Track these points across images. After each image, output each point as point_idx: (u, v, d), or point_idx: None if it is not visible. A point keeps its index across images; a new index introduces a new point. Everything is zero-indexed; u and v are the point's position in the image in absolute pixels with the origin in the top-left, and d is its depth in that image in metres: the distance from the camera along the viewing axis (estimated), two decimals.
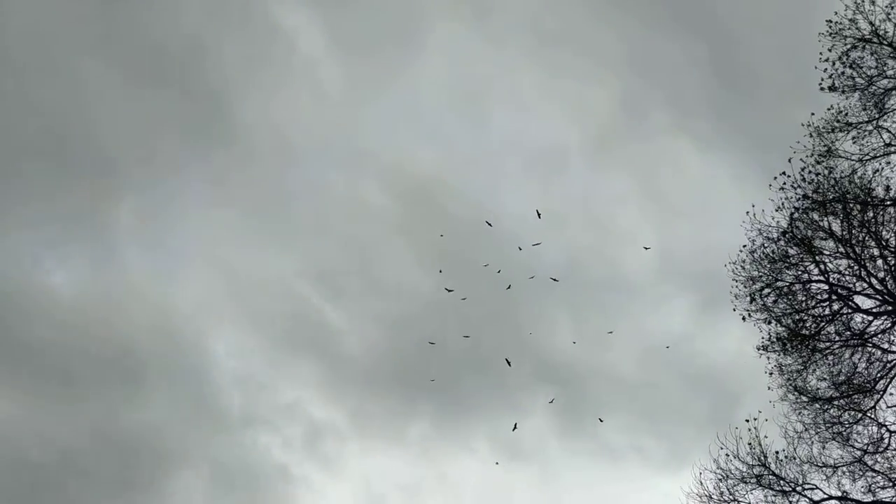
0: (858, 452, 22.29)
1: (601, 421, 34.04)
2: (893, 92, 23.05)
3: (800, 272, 22.81)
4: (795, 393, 23.01)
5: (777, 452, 22.37)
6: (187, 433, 55.35)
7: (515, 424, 34.24)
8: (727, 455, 22.32)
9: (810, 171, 23.04)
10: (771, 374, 23.24)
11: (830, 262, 22.54)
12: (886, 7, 22.52)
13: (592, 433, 47.72)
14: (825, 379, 22.97)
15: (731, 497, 22.03)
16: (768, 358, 23.11)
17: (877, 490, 22.14)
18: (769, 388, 23.22)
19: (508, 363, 31.56)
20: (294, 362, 58.83)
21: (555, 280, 30.76)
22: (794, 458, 22.69)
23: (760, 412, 22.81)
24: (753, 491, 22.20)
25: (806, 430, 22.83)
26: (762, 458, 22.29)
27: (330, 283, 59.07)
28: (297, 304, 58.60)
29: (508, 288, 31.29)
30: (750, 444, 22.26)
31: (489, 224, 30.95)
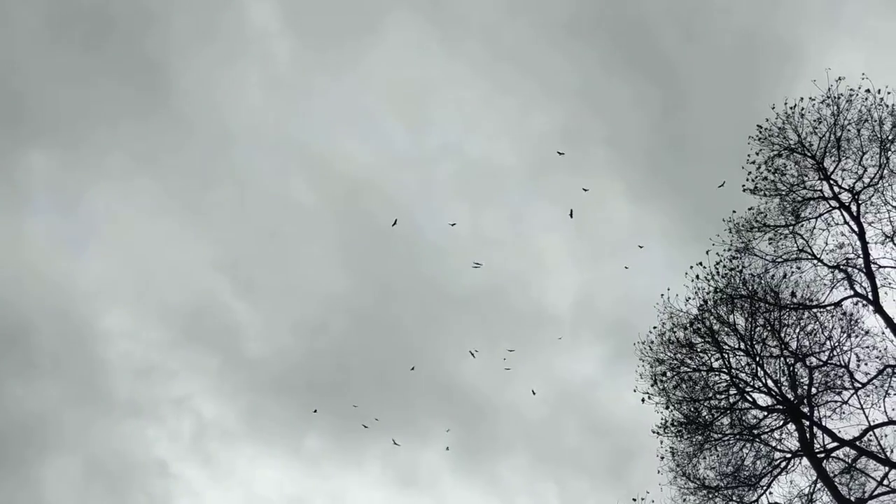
0: None
1: (533, 393, 32.27)
2: (811, 202, 24.16)
3: (702, 362, 23.53)
4: (684, 478, 23.59)
5: None
6: (68, 418, 52.09)
7: (448, 447, 33.59)
8: None
9: (724, 266, 23.93)
10: (662, 457, 23.81)
11: (733, 356, 23.32)
12: (814, 122, 23.69)
13: (488, 469, 47.34)
14: (714, 468, 23.63)
15: None
16: (661, 441, 23.68)
17: None
18: (658, 472, 23.77)
19: (533, 392, 30.80)
20: (192, 356, 55.89)
21: (477, 265, 29.89)
22: None
23: (648, 492, 23.36)
24: None
25: None
26: None
27: (243, 277, 57.02)
28: (204, 294, 56.28)
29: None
30: None
31: (477, 264, 30.38)
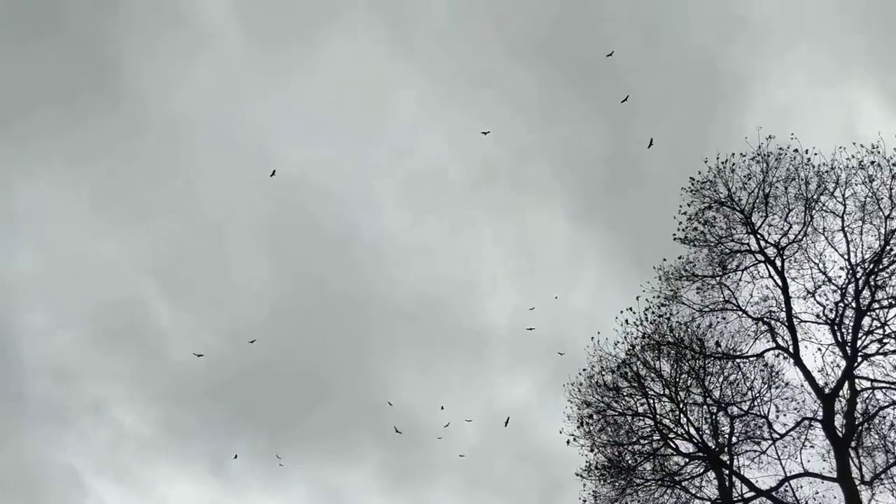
0: None
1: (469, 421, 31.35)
2: (738, 255, 24.85)
3: (628, 406, 23.77)
4: None
5: None
6: None
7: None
8: None
9: (653, 313, 24.36)
10: (585, 501, 23.85)
11: (658, 401, 23.63)
12: (744, 177, 24.47)
13: (420, 493, 46.29)
14: None
15: None
16: (584, 484, 23.74)
17: None
18: None
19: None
20: (111, 359, 53.20)
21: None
22: None
23: None
24: None
25: None
26: None
27: (175, 279, 54.58)
28: (131, 295, 53.40)
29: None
30: None
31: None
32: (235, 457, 38.92)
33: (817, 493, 22.75)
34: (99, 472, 52.53)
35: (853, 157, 23.47)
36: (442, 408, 29.80)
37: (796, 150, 23.93)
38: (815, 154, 23.84)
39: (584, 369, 24.57)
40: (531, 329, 30.35)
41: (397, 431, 35.92)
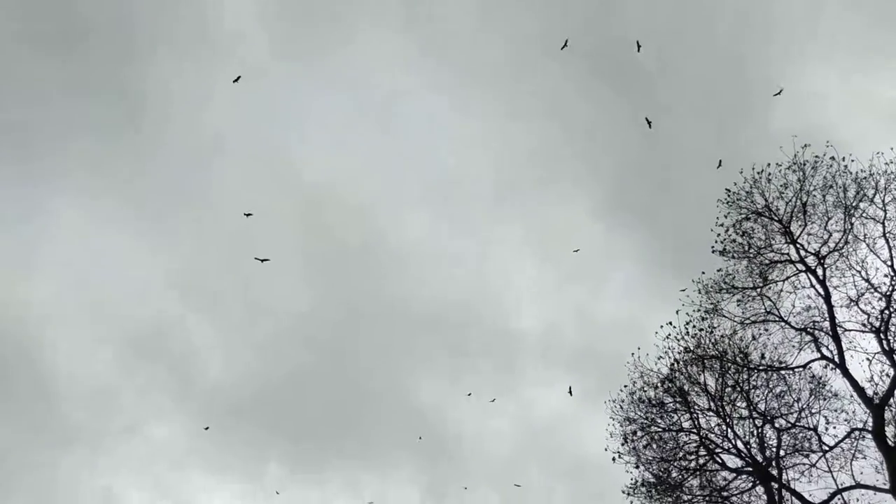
0: None
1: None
2: (778, 265, 24.62)
3: (673, 422, 23.55)
4: None
5: None
6: (12, 444, 50.06)
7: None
8: None
9: (694, 326, 24.18)
10: None
11: (703, 416, 23.39)
12: (780, 186, 24.31)
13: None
14: None
15: None
16: (631, 502, 23.51)
17: None
18: None
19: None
20: (143, 378, 53.14)
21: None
22: None
23: None
24: None
25: None
26: None
27: (202, 296, 54.46)
28: (160, 313, 53.14)
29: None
30: None
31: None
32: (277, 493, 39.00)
33: None
34: (136, 488, 52.78)
35: (891, 161, 23.24)
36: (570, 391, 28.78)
37: (833, 158, 23.75)
38: (853, 161, 23.68)
39: (626, 385, 24.40)
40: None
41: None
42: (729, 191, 24.60)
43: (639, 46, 24.84)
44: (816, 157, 23.92)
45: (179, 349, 52.99)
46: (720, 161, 24.99)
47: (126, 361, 53.72)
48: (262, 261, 31.99)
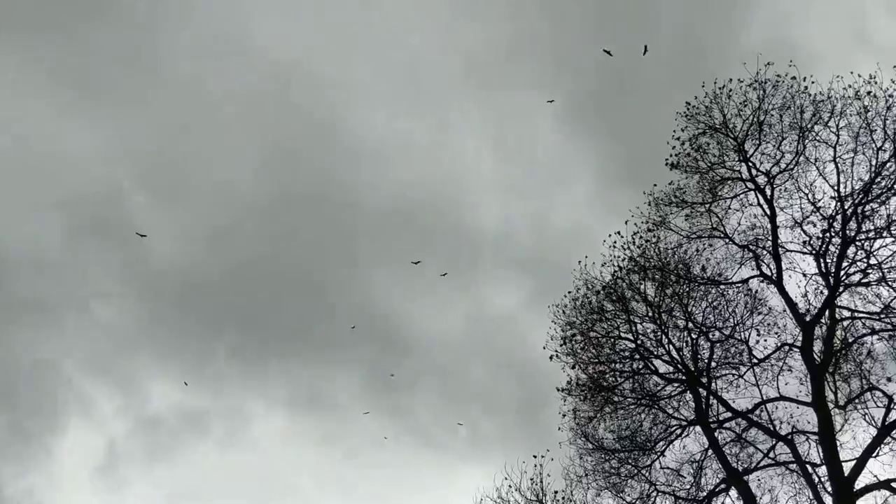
0: None
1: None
2: (728, 182, 24.87)
3: (612, 328, 24.06)
4: (583, 439, 24.16)
5: (556, 492, 23.33)
6: None
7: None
8: (510, 486, 23.01)
9: (641, 237, 24.49)
10: (564, 415, 24.33)
11: (640, 323, 23.92)
12: (740, 104, 24.32)
13: (400, 400, 45.59)
14: (612, 431, 24.26)
15: None
16: (565, 399, 24.18)
17: None
18: (559, 429, 24.29)
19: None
20: (90, 255, 51.24)
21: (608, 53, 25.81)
22: (571, 501, 23.78)
23: (548, 451, 23.75)
24: None
25: (586, 475, 24.01)
26: (540, 495, 23.16)
27: (152, 173, 52.37)
28: (103, 187, 51.01)
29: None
30: (532, 479, 23.08)
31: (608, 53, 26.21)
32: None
33: (792, 416, 23.23)
34: (83, 369, 52.32)
35: (850, 86, 23.36)
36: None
37: (794, 78, 23.82)
38: (813, 83, 23.73)
39: (570, 291, 24.76)
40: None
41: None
42: (689, 104, 24.59)
43: (645, 49, 24.31)
44: (778, 76, 23.93)
45: (123, 225, 50.66)
46: (645, 47, 24.51)
47: (70, 235, 51.79)
48: (142, 236, 31.53)
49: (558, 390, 24.21)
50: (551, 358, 23.98)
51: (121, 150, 53.02)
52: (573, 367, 23.99)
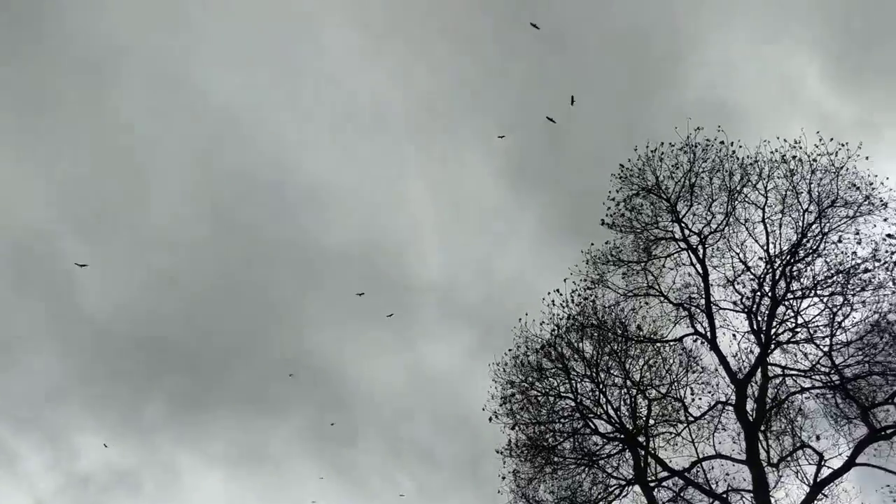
0: None
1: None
2: (662, 241, 25.44)
3: (551, 387, 24.10)
4: (524, 500, 23.98)
5: None
6: None
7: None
8: None
9: (579, 295, 24.77)
10: (504, 477, 24.14)
11: (579, 382, 24.02)
12: (672, 166, 25.03)
13: (344, 455, 45.18)
14: (552, 492, 24.15)
15: None
16: (504, 461, 24.02)
17: None
18: (499, 492, 24.08)
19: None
20: (17, 301, 48.49)
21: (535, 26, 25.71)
22: None
23: None
24: None
25: None
26: None
27: (80, 215, 49.76)
28: (36, 233, 48.27)
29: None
30: None
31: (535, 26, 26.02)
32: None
33: (727, 474, 23.51)
34: (7, 421, 49.80)
35: (776, 150, 24.31)
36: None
37: (722, 143, 24.61)
38: (740, 146, 24.64)
39: (510, 349, 24.81)
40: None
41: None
42: (622, 166, 25.22)
43: (573, 100, 25.04)
44: (708, 140, 24.75)
45: (56, 273, 48.43)
46: (572, 97, 25.16)
47: None
48: (82, 266, 31.06)
49: (497, 452, 24.06)
50: (491, 419, 23.88)
51: (51, 193, 51.17)
52: (513, 428, 23.88)
